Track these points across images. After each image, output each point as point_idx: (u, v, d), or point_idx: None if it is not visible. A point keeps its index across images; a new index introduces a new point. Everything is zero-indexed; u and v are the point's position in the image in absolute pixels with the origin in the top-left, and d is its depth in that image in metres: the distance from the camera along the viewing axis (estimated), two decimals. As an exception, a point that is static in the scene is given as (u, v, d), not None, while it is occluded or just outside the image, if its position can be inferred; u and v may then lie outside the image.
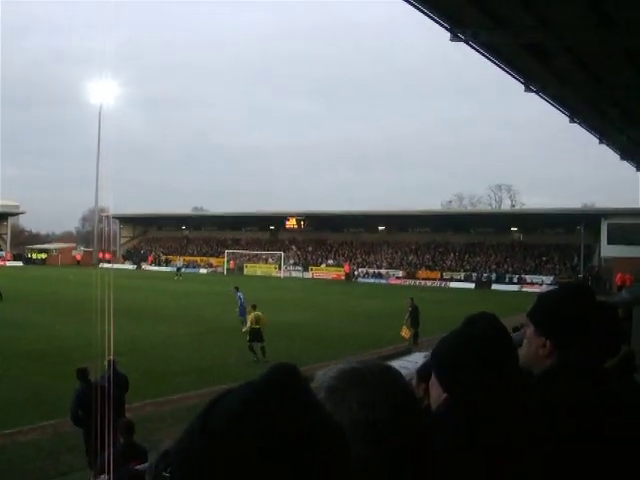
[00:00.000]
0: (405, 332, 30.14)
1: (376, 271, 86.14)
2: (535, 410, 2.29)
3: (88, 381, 13.21)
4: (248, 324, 27.12)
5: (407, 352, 22.77)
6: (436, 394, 2.38)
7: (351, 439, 1.38)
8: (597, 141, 35.85)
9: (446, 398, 2.31)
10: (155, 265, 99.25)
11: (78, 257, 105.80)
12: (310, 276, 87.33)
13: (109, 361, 13.65)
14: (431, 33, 51.45)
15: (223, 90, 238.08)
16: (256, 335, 26.54)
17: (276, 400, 1.20)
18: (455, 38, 18.78)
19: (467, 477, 2.06)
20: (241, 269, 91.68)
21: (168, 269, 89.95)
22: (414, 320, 30.76)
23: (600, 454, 2.29)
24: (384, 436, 1.55)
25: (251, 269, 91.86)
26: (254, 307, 28.07)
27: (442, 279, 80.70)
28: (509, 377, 2.29)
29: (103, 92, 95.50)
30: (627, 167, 47.29)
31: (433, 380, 2.41)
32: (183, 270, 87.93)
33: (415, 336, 30.33)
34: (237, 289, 34.70)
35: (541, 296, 2.97)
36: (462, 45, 19.21)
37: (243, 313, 32.13)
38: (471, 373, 2.26)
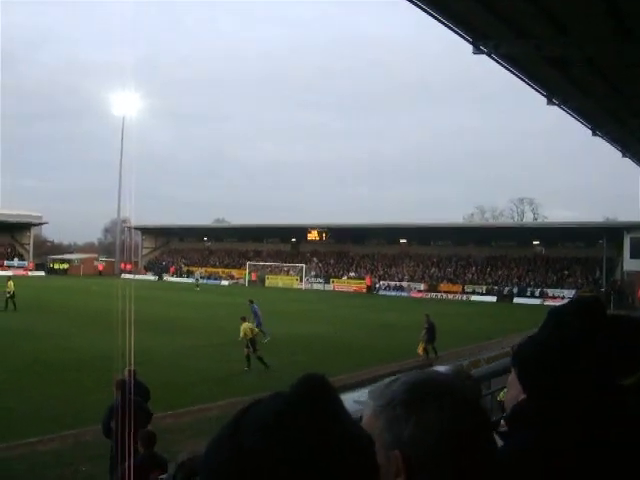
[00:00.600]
0: (421, 349, 30.08)
1: (397, 284, 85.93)
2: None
3: (125, 393, 13.20)
4: (242, 335, 27.41)
5: (429, 365, 22.67)
6: (514, 394, 2.34)
7: (434, 451, 1.36)
8: (620, 154, 35.70)
9: (524, 399, 2.29)
10: (177, 276, 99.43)
11: (100, 267, 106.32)
12: (331, 288, 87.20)
13: (129, 371, 13.67)
14: (450, 45, 51.48)
15: (242, 104, 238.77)
16: (254, 344, 27.05)
17: (305, 412, 1.20)
18: (477, 51, 18.76)
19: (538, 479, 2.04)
20: (262, 281, 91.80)
21: (189, 280, 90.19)
22: (430, 337, 30.58)
23: (603, 469, 2.26)
24: (467, 447, 1.50)
25: (272, 281, 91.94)
26: (244, 319, 28.45)
27: (464, 292, 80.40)
28: (591, 383, 2.27)
29: (125, 105, 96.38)
30: (650, 181, 47.00)
31: (513, 378, 2.39)
32: (204, 281, 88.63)
33: (431, 350, 30.35)
34: (252, 302, 34.97)
35: (551, 311, 2.95)
36: (481, 56, 19.20)
37: (260, 324, 33.20)
38: (556, 376, 2.24)
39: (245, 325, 27.68)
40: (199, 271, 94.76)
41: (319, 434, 1.18)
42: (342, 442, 1.20)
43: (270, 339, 32.83)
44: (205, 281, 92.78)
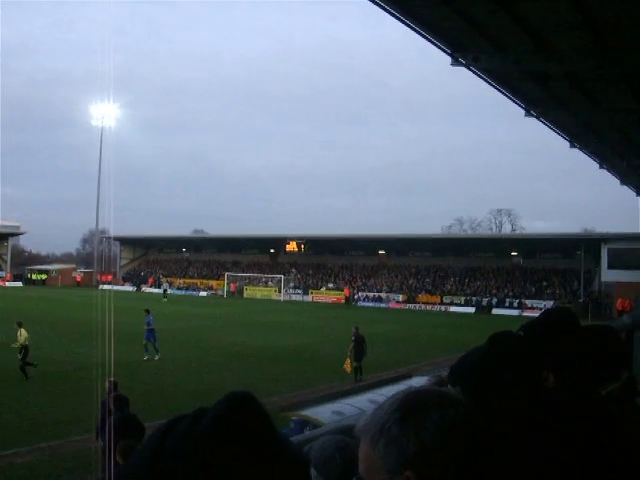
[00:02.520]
0: (347, 366, 27.21)
1: (376, 295, 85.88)
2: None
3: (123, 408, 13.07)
4: (21, 341, 26.43)
5: (407, 376, 22.65)
6: None
7: (442, 460, 1.33)
8: (597, 166, 35.93)
9: None
10: (155, 287, 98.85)
11: (78, 278, 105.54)
12: (310, 299, 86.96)
13: (110, 382, 13.58)
14: (431, 58, 51.97)
15: (221, 114, 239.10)
16: (26, 352, 26.19)
17: (229, 435, 1.15)
18: (456, 63, 18.85)
19: None
20: (241, 292, 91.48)
21: (168, 291, 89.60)
22: (358, 352, 27.41)
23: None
24: (471, 448, 1.45)
25: (251, 292, 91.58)
26: (20, 324, 27.21)
27: (442, 303, 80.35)
28: (534, 398, 2.27)
29: (104, 115, 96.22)
30: (627, 192, 47.41)
31: None
32: (183, 292, 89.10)
33: (358, 370, 27.21)
34: (148, 312, 32.57)
35: (526, 330, 2.93)
36: (461, 70, 19.28)
37: (151, 337, 31.67)
38: (500, 394, 2.23)
39: (24, 331, 26.72)
40: (166, 281, 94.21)
41: (244, 458, 1.14)
42: (270, 464, 1.16)
43: (160, 357, 30.80)
44: (183, 292, 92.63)
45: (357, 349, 27.46)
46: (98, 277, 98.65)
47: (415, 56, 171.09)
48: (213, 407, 1.22)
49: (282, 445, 1.21)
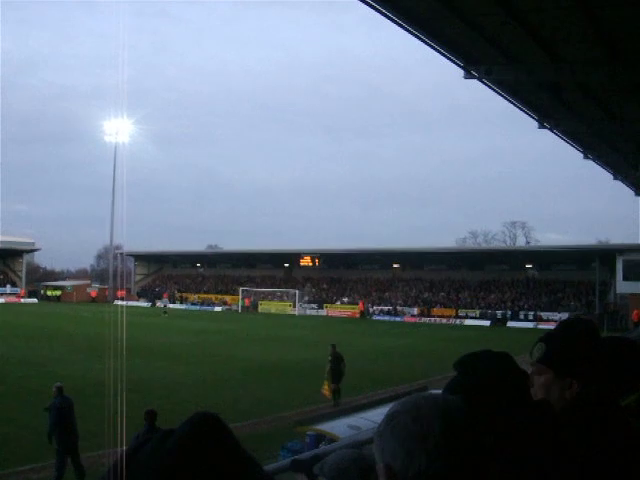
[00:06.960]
0: (326, 389, 24.91)
1: (391, 308, 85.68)
2: (551, 446, 2.24)
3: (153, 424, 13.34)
4: None
5: (423, 389, 22.55)
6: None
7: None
8: (611, 177, 35.83)
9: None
10: (170, 303, 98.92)
11: (93, 294, 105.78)
12: (325, 314, 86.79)
13: (57, 388, 13.99)
14: (440, 69, 52.02)
15: (233, 128, 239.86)
16: None
17: (194, 452, 1.15)
18: (469, 75, 18.84)
19: None
20: (256, 307, 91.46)
21: (183, 307, 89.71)
22: (336, 373, 25.02)
23: None
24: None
25: (266, 307, 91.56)
26: None
27: (457, 316, 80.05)
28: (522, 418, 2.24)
29: (116, 129, 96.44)
30: (642, 203, 47.17)
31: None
32: (198, 307, 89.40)
33: (336, 392, 24.86)
34: None
35: (549, 339, 2.89)
36: (474, 81, 19.27)
37: None
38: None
39: None
40: (166, 296, 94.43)
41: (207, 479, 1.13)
42: None
43: None
44: (198, 307, 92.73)
45: (334, 369, 25.12)
46: (113, 293, 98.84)
47: (425, 67, 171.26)
48: (177, 429, 1.20)
49: (248, 467, 1.19)
